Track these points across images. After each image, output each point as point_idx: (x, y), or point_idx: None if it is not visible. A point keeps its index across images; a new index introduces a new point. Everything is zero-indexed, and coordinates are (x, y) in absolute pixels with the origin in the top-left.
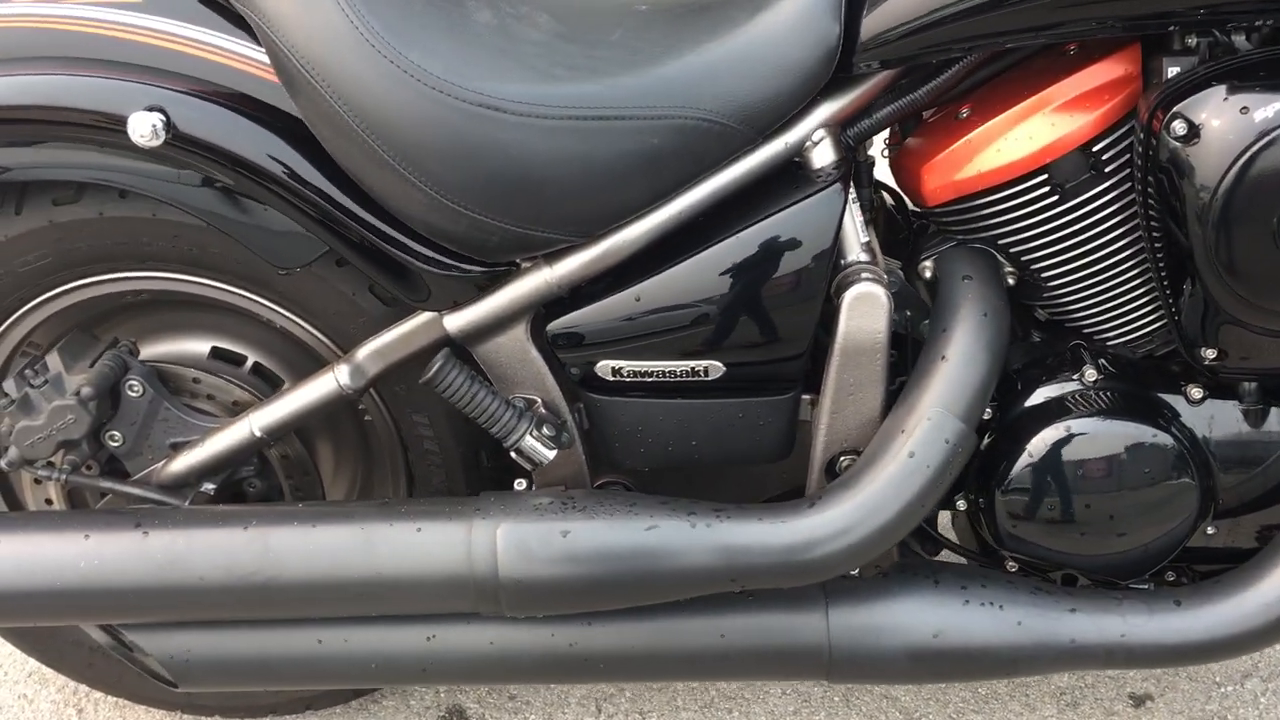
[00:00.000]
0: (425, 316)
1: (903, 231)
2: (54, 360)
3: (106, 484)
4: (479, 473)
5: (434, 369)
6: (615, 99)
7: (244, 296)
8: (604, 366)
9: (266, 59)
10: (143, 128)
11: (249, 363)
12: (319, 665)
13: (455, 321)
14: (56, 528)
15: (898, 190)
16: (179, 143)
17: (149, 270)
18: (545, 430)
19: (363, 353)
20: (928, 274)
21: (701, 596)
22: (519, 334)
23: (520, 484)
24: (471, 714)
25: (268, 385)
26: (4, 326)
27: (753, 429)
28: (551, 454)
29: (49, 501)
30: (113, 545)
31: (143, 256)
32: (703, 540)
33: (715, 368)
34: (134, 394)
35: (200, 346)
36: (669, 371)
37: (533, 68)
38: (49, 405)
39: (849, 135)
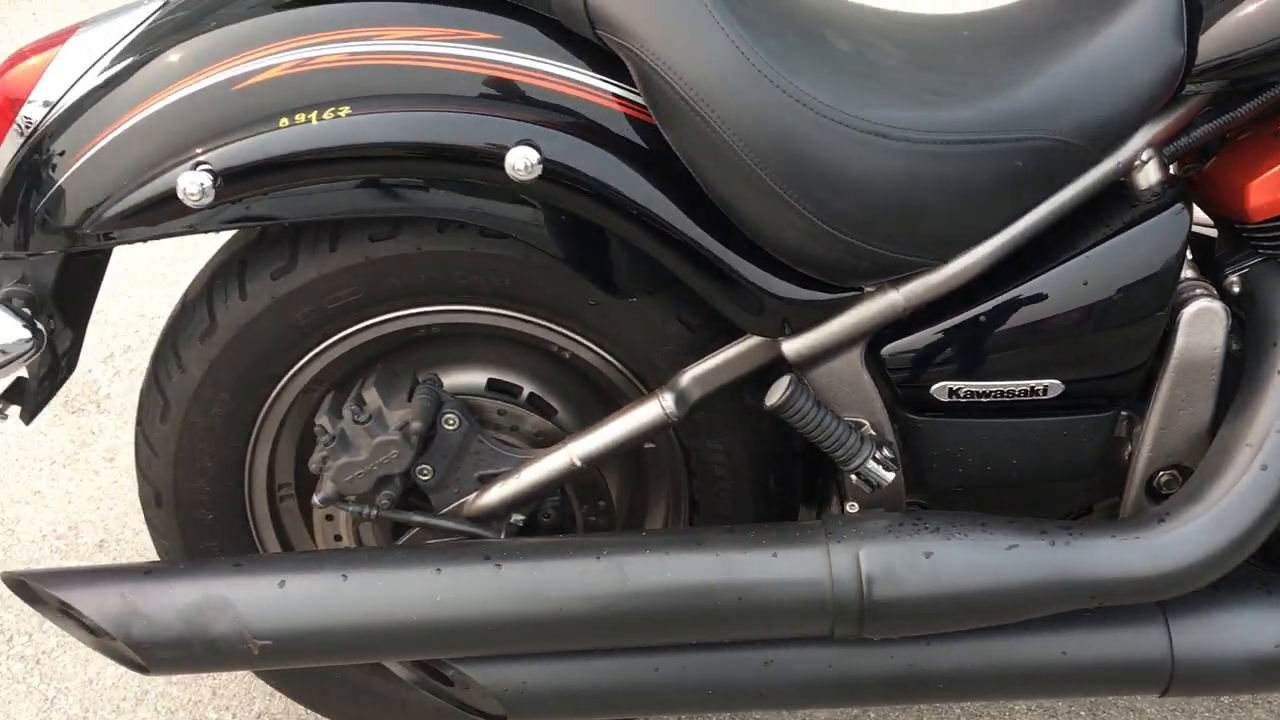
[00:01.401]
0: (753, 341)
1: None
2: (372, 396)
3: (420, 519)
4: (767, 499)
5: (784, 395)
6: (984, 123)
7: (545, 327)
8: (940, 388)
9: (623, 93)
10: (519, 162)
11: (524, 393)
12: (656, 693)
13: (795, 346)
14: (408, 563)
15: None
16: (549, 177)
17: (456, 304)
18: (885, 453)
19: (686, 379)
20: (1235, 289)
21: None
22: (854, 357)
23: (852, 507)
24: None
25: (543, 415)
26: (303, 362)
27: (1074, 446)
28: (891, 476)
29: (338, 538)
30: (467, 579)
31: (453, 290)
32: (1063, 559)
33: (1054, 386)
34: (450, 427)
35: (478, 378)
36: (1006, 391)
37: (903, 94)
38: (372, 441)
39: (1167, 153)
